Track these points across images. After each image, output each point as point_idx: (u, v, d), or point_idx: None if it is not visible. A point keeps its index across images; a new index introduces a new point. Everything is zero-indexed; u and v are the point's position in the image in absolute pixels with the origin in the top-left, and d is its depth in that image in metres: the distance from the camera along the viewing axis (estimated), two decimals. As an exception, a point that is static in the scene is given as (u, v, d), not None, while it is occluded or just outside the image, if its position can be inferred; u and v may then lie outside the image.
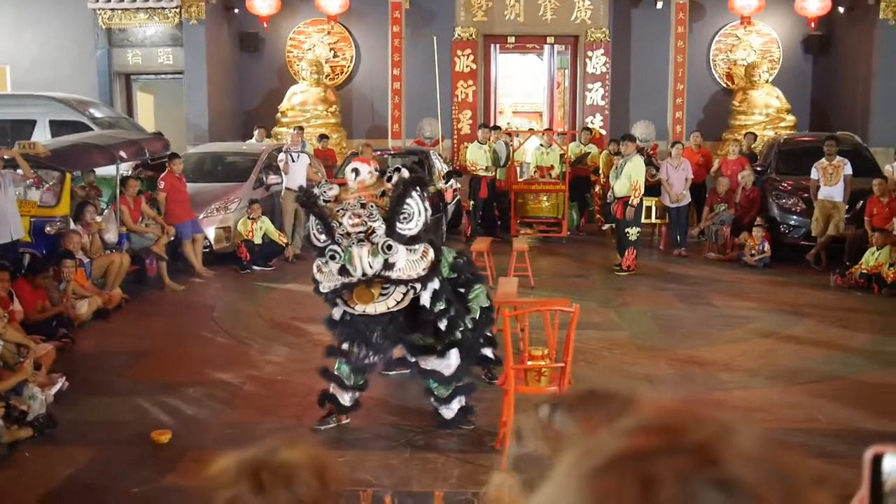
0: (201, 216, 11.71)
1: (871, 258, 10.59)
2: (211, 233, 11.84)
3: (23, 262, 8.89)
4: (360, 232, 5.32)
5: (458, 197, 14.97)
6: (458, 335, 5.93)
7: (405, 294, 5.51)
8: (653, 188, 13.11)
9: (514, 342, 6.26)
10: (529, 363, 5.65)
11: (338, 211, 5.38)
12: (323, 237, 5.42)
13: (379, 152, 14.15)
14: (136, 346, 8.33)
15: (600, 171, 14.68)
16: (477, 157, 14.01)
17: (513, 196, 14.19)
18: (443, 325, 5.79)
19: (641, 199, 11.54)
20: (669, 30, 16.87)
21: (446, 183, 14.12)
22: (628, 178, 11.30)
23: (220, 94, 17.20)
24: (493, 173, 14.16)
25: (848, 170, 11.83)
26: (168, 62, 17.40)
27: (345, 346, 5.86)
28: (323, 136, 15.69)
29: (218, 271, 11.48)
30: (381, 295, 5.46)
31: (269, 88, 17.98)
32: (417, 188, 5.45)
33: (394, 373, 6.86)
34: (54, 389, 6.49)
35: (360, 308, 5.48)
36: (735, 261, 12.28)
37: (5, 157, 9.04)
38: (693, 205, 13.63)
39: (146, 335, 8.83)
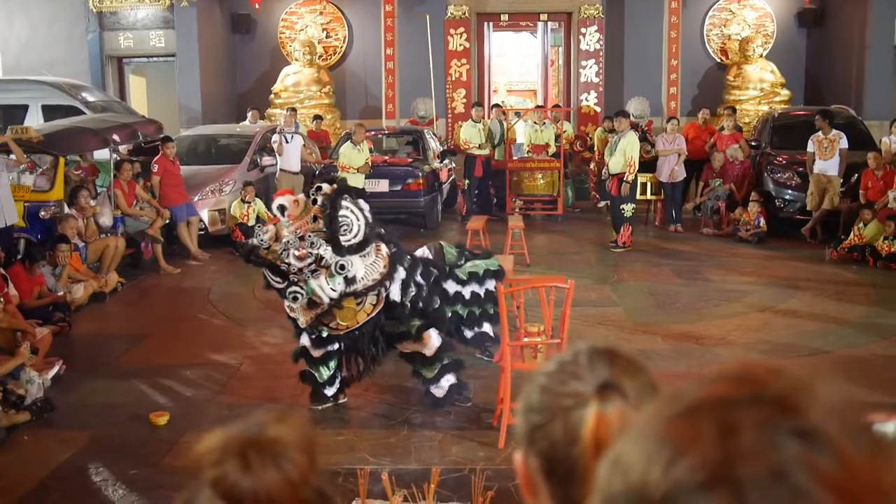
0: (196, 199, 11.68)
1: (860, 231, 10.59)
2: (206, 215, 11.81)
3: (18, 248, 8.87)
4: (310, 263, 5.33)
5: (453, 176, 14.95)
6: (432, 314, 5.92)
7: (377, 295, 5.61)
8: (648, 164, 13.09)
9: (510, 319, 6.27)
10: (526, 340, 5.67)
11: (282, 253, 5.34)
12: (279, 279, 5.48)
13: (373, 132, 14.11)
14: (133, 329, 8.35)
15: (595, 149, 14.66)
16: (471, 135, 13.96)
17: (508, 174, 14.16)
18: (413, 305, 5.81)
19: (636, 176, 11.53)
20: (663, 5, 16.79)
21: (441, 162, 14.09)
22: (623, 154, 11.29)
23: (212, 77, 17.11)
24: (488, 152, 14.12)
25: (844, 143, 11.80)
26: (160, 45, 17.29)
27: (330, 364, 5.91)
28: (317, 117, 15.64)
29: (213, 254, 11.46)
30: (357, 305, 5.57)
31: (262, 70, 17.90)
32: (344, 196, 5.41)
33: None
34: (51, 373, 6.50)
35: (343, 325, 5.61)
36: (730, 236, 12.29)
37: (-2, 142, 9.00)
38: (694, 181, 13.64)
39: (143, 318, 8.86)
